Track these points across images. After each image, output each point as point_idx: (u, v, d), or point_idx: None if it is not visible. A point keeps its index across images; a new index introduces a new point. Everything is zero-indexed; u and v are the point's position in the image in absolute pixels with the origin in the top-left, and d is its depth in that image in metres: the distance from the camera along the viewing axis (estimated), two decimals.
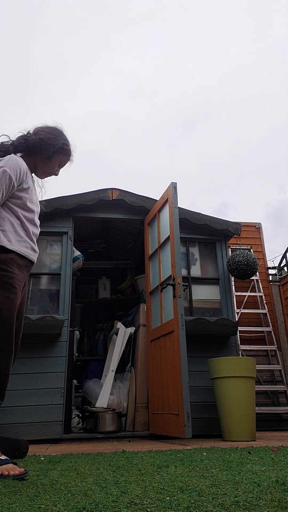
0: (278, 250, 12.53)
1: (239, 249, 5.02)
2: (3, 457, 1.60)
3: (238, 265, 4.19)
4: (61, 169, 2.13)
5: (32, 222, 1.94)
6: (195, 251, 4.42)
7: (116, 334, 4.38)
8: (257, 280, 5.23)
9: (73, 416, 3.97)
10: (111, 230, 5.21)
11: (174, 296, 3.42)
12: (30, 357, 3.62)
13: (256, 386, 4.05)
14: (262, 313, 5.12)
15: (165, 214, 3.86)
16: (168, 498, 1.09)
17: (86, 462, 2.00)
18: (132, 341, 4.39)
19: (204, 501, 1.04)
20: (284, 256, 5.67)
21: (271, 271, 5.68)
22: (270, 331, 4.99)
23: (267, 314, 5.09)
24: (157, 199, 4.13)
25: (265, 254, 5.57)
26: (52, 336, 3.71)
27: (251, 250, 5.33)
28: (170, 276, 3.55)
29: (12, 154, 1.91)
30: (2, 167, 1.81)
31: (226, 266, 4.32)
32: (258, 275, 5.21)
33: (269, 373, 4.86)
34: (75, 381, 4.29)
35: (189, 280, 4.22)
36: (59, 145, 2.02)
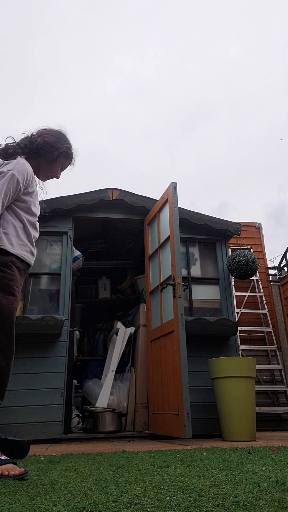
0: (278, 250, 12.53)
1: (239, 249, 5.02)
2: (3, 457, 1.60)
3: (238, 265, 4.19)
4: (62, 172, 2.16)
5: (34, 226, 1.97)
6: (195, 251, 4.42)
7: (116, 334, 4.38)
8: (257, 280, 5.23)
9: (73, 416, 3.97)
10: (111, 230, 5.21)
11: (174, 296, 3.42)
12: (30, 357, 3.62)
13: (256, 386, 4.05)
14: (262, 313, 5.12)
15: (165, 214, 3.86)
16: (168, 498, 1.09)
17: (86, 462, 2.00)
18: (132, 341, 4.39)
19: (204, 501, 1.04)
20: (284, 256, 5.67)
21: (271, 271, 5.68)
22: (270, 331, 4.99)
23: (267, 314, 5.09)
24: (157, 199, 4.13)
25: (265, 254, 5.58)
26: (52, 336, 3.71)
27: (251, 250, 5.33)
28: (170, 276, 3.55)
29: (20, 158, 1.92)
30: (10, 170, 1.82)
31: (226, 266, 4.32)
32: (258, 275, 5.21)
33: (269, 373, 4.86)
34: (75, 381, 4.29)
35: (189, 280, 4.22)
36: (64, 149, 2.05)
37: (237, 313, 4.93)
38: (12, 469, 1.53)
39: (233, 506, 0.98)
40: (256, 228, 5.68)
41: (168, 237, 3.72)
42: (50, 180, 2.16)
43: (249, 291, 5.22)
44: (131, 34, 18.33)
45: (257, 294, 5.17)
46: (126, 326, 4.49)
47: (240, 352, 4.44)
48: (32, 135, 2.05)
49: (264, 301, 5.13)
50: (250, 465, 1.71)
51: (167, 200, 3.81)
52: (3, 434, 2.06)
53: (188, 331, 3.59)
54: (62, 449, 2.84)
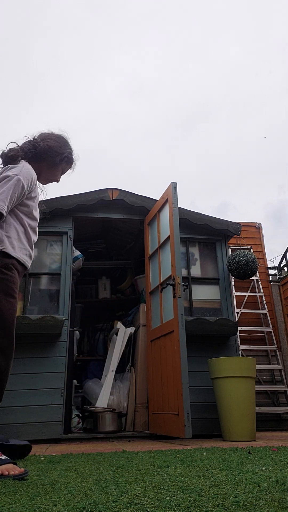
0: (278, 250, 12.53)
1: (239, 249, 5.02)
2: (3, 457, 1.60)
3: (238, 265, 4.19)
4: (62, 176, 2.21)
5: (34, 230, 1.99)
6: (195, 251, 4.42)
7: (116, 334, 4.38)
8: (257, 280, 5.23)
9: (73, 416, 3.97)
10: (111, 230, 5.21)
11: (174, 296, 3.42)
12: (30, 357, 3.62)
13: (256, 386, 4.05)
14: (262, 313, 5.12)
15: (165, 214, 3.86)
16: (168, 498, 1.09)
17: (86, 462, 2.00)
18: (132, 341, 4.39)
19: (204, 501, 1.04)
20: (284, 256, 5.67)
21: (271, 271, 5.68)
22: (270, 331, 4.99)
23: (267, 314, 5.09)
24: (157, 199, 4.13)
25: (265, 254, 5.58)
26: (52, 336, 3.71)
27: (251, 250, 5.33)
28: (170, 276, 3.55)
29: (25, 162, 1.95)
30: (16, 174, 1.84)
31: (226, 266, 4.32)
32: (258, 275, 5.21)
33: (269, 373, 4.86)
34: (75, 381, 4.29)
35: (189, 280, 4.22)
36: (66, 154, 2.10)
37: (237, 313, 4.93)
38: (12, 469, 1.54)
39: (233, 506, 0.98)
40: (256, 228, 5.68)
41: (168, 237, 3.72)
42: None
43: (249, 291, 5.22)
44: (131, 34, 18.34)
45: (257, 294, 5.17)
46: (126, 326, 4.49)
47: (240, 352, 4.44)
48: (34, 139, 2.07)
49: (264, 301, 5.13)
50: (250, 465, 1.71)
51: (167, 200, 3.81)
52: (6, 439, 2.07)
53: (188, 331, 3.59)
54: (62, 449, 2.84)
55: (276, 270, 5.70)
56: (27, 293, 3.90)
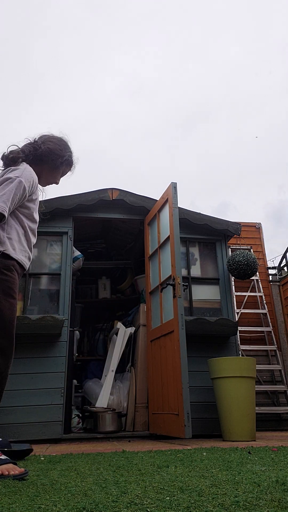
0: (278, 250, 12.53)
1: (239, 249, 5.02)
2: (3, 457, 1.60)
3: (238, 265, 4.19)
4: (61, 178, 2.24)
5: (33, 232, 2.01)
6: (195, 251, 4.42)
7: (116, 334, 4.38)
8: (257, 280, 5.23)
9: (73, 416, 3.97)
10: (111, 230, 5.21)
11: (174, 296, 3.42)
12: (30, 357, 3.62)
13: (256, 386, 4.05)
14: (262, 313, 5.12)
15: (165, 214, 3.86)
16: (168, 498, 1.09)
17: (86, 462, 2.00)
18: (132, 341, 4.39)
19: (204, 501, 1.04)
20: (284, 256, 5.67)
21: (271, 271, 5.68)
22: (270, 331, 4.99)
23: (267, 314, 5.09)
24: (157, 199, 4.13)
25: (265, 254, 5.58)
26: (52, 336, 3.71)
27: (251, 250, 5.33)
28: (170, 276, 3.55)
29: (27, 165, 1.96)
30: (18, 177, 1.85)
31: (226, 266, 4.32)
32: (258, 275, 5.21)
33: (269, 373, 4.86)
34: (75, 381, 4.29)
35: (189, 280, 4.22)
36: (66, 157, 2.12)
37: (237, 313, 4.93)
38: (12, 469, 1.54)
39: (233, 506, 0.98)
40: (256, 228, 5.68)
41: (168, 237, 3.72)
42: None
43: (249, 291, 5.22)
44: (131, 34, 18.33)
45: (257, 294, 5.17)
46: (126, 326, 4.49)
47: (240, 352, 4.44)
48: (35, 141, 2.09)
49: (264, 301, 5.13)
50: (250, 465, 1.71)
51: (167, 200, 3.81)
52: (8, 445, 2.07)
53: (188, 331, 3.59)
54: (62, 449, 2.84)
55: (276, 270, 5.70)
56: (27, 293, 3.90)
